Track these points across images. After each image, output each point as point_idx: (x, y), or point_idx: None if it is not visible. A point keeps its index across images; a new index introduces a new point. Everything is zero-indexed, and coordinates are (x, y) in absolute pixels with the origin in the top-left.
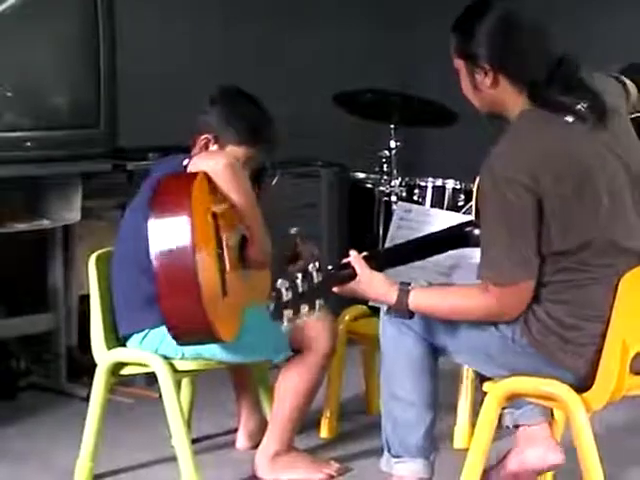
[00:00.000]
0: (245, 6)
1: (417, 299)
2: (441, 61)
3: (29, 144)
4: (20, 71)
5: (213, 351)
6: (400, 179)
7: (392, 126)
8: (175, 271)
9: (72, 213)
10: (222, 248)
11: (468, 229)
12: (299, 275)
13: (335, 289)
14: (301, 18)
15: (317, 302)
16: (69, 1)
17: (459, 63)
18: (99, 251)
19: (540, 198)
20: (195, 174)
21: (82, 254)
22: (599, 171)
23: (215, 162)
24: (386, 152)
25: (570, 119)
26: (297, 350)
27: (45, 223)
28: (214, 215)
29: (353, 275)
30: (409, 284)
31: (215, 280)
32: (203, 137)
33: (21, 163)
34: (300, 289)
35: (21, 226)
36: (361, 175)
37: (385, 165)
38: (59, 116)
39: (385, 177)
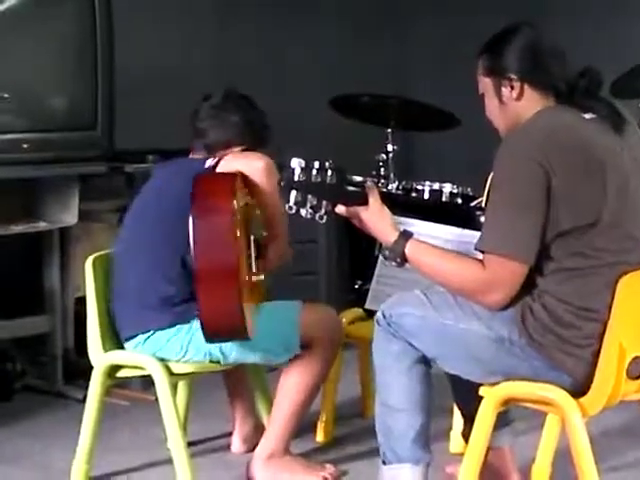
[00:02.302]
0: (241, 9)
1: (414, 248)
2: (438, 65)
3: (26, 146)
4: (18, 73)
5: (222, 351)
6: (397, 183)
7: (389, 130)
8: (219, 269)
9: (69, 215)
10: (250, 249)
11: (478, 213)
12: (316, 164)
13: (342, 208)
14: (299, 21)
15: (324, 203)
16: (67, 3)
17: (486, 83)
18: (96, 253)
19: (550, 176)
20: (234, 174)
21: (79, 256)
22: (611, 165)
23: (254, 162)
24: (383, 156)
25: (587, 116)
26: (304, 346)
27: (42, 225)
28: (247, 216)
29: (364, 201)
30: (412, 234)
31: (246, 280)
32: (237, 150)
33: (18, 165)
34: (313, 178)
35: (18, 228)
36: (358, 179)
37: (382, 169)
38: (56, 118)
39: (382, 181)
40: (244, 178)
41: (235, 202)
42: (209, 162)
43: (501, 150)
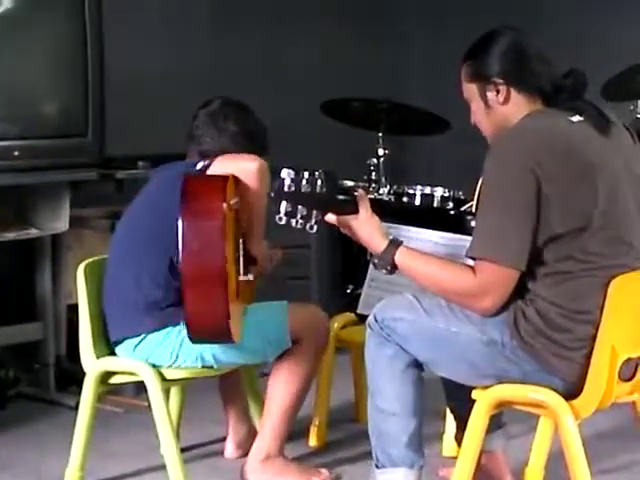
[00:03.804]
0: (237, 14)
1: (404, 256)
2: (431, 69)
3: (17, 153)
4: (8, 80)
5: (214, 354)
6: (388, 187)
7: (380, 134)
8: (206, 270)
9: (60, 222)
10: (239, 252)
11: (469, 217)
12: (306, 174)
13: (332, 217)
14: (291, 26)
15: (314, 213)
16: (57, 9)
17: (470, 89)
18: (88, 260)
19: (540, 181)
20: (226, 177)
21: (70, 263)
22: (601, 168)
23: (248, 163)
24: (374, 160)
25: (575, 119)
26: (292, 342)
27: (33, 232)
28: (238, 219)
29: (354, 210)
30: (401, 241)
31: (234, 283)
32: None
33: (9, 172)
34: (302, 188)
35: (9, 235)
36: (349, 183)
37: (373, 173)
38: (47, 125)
39: (373, 185)
40: (236, 180)
41: (225, 204)
42: (201, 164)
43: (490, 156)
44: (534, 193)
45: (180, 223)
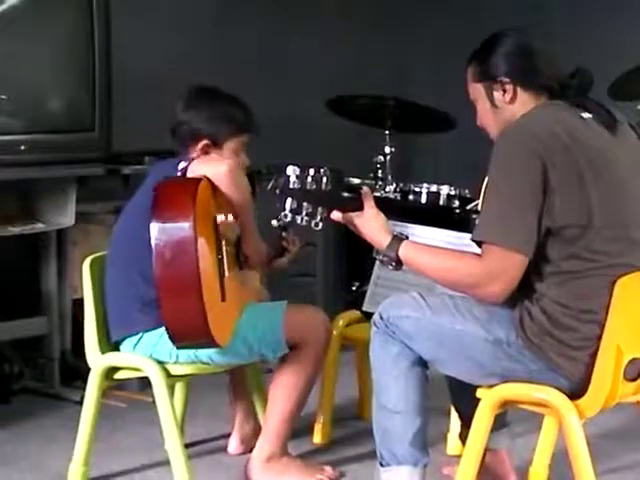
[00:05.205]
0: (240, 10)
1: (408, 250)
2: (436, 67)
3: (24, 147)
4: (15, 74)
5: (209, 354)
6: (395, 185)
7: (386, 132)
8: (178, 277)
9: (66, 217)
10: (222, 253)
11: (474, 216)
12: (311, 171)
13: (337, 214)
14: (297, 21)
15: (319, 210)
16: (65, 5)
17: (477, 89)
18: (93, 255)
19: (547, 167)
20: (199, 179)
21: (76, 258)
22: (606, 164)
23: (217, 167)
24: (381, 157)
25: (585, 115)
26: (292, 347)
27: (39, 227)
28: (215, 220)
29: (359, 207)
30: (407, 237)
31: (215, 286)
32: (202, 144)
33: (15, 166)
34: (308, 185)
35: (15, 229)
36: (356, 181)
37: (380, 171)
38: (54, 120)
39: (380, 183)
40: (211, 182)
41: (196, 207)
42: (182, 164)
43: (498, 143)
44: (540, 179)
45: (151, 228)
